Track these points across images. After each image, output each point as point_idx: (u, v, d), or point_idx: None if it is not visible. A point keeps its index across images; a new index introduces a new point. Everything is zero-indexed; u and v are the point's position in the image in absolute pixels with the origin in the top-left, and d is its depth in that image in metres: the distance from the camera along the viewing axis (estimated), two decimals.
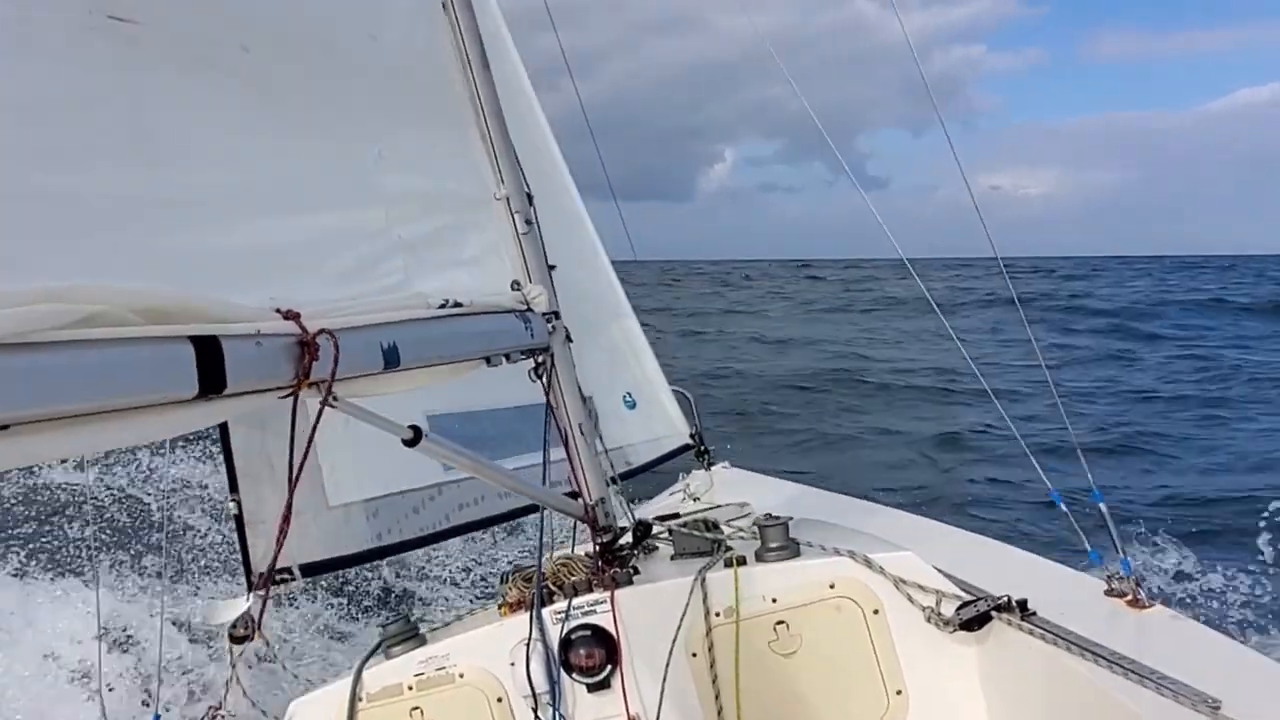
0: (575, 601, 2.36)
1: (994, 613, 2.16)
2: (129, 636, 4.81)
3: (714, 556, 2.47)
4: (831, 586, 2.31)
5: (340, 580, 5.89)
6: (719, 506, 3.40)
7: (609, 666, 2.30)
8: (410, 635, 2.52)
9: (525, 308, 2.55)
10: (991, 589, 2.26)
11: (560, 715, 2.30)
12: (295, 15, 2.17)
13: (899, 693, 2.27)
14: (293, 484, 1.60)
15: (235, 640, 2.55)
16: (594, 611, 2.34)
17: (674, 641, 2.28)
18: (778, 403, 14.47)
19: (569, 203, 4.72)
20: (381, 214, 2.30)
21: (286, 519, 1.50)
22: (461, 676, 2.38)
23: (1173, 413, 13.42)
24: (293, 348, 1.57)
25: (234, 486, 2.63)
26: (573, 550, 2.75)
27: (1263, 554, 6.58)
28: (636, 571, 2.53)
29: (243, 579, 2.67)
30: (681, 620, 2.29)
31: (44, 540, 5.96)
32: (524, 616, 2.36)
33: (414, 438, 1.99)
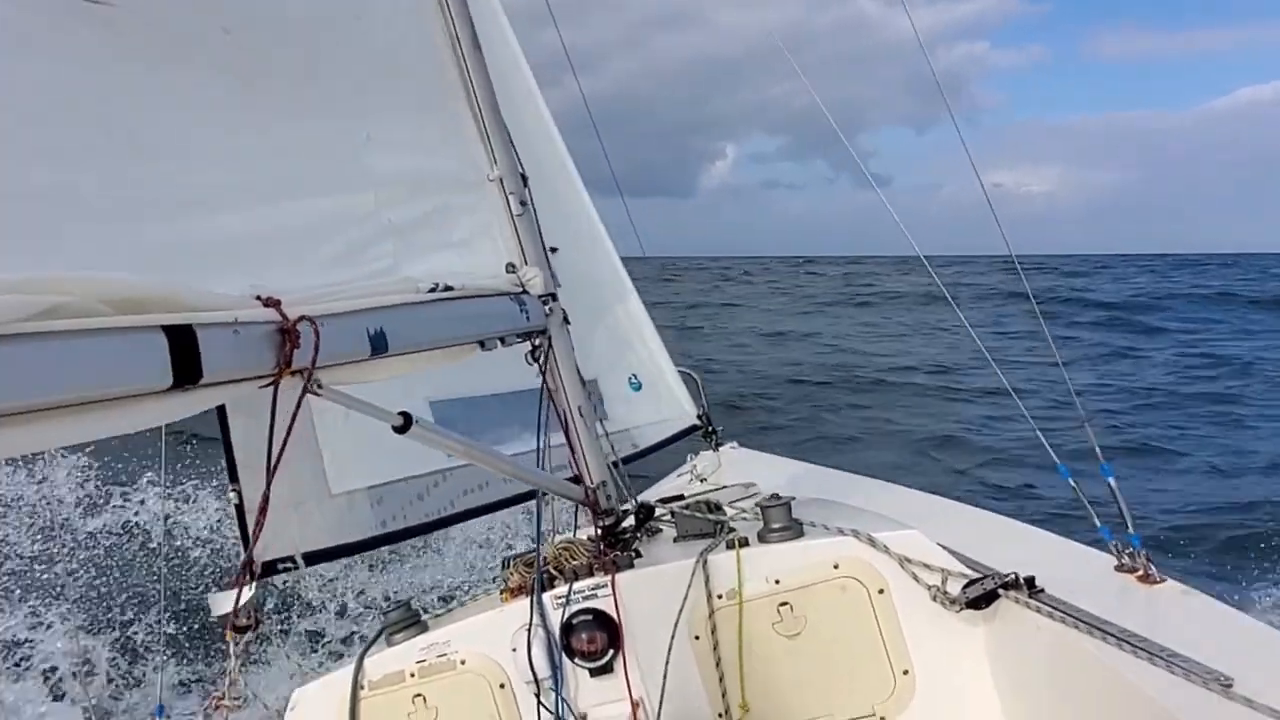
0: (576, 586, 2.34)
1: (1001, 590, 2.12)
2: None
3: (716, 538, 2.44)
4: (835, 566, 2.27)
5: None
6: (725, 487, 3.37)
7: (611, 651, 2.28)
8: (411, 622, 2.51)
9: (520, 290, 2.51)
10: (999, 566, 2.22)
11: (563, 700, 2.28)
12: None
13: (905, 673, 2.24)
14: (270, 473, 1.58)
15: (237, 630, 2.54)
16: (595, 596, 2.32)
17: (676, 624, 2.26)
18: (777, 396, 14.40)
19: (568, 185, 4.67)
20: (370, 198, 2.27)
21: (263, 510, 1.47)
22: (463, 663, 2.37)
23: (1185, 407, 13.21)
24: (273, 335, 1.54)
25: (234, 476, 2.61)
26: (574, 534, 2.73)
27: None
28: (639, 555, 2.50)
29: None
30: (683, 603, 2.27)
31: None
32: (525, 602, 2.34)
33: (404, 424, 1.96)
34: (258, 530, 1.49)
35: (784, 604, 2.27)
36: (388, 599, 5.68)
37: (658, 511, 2.77)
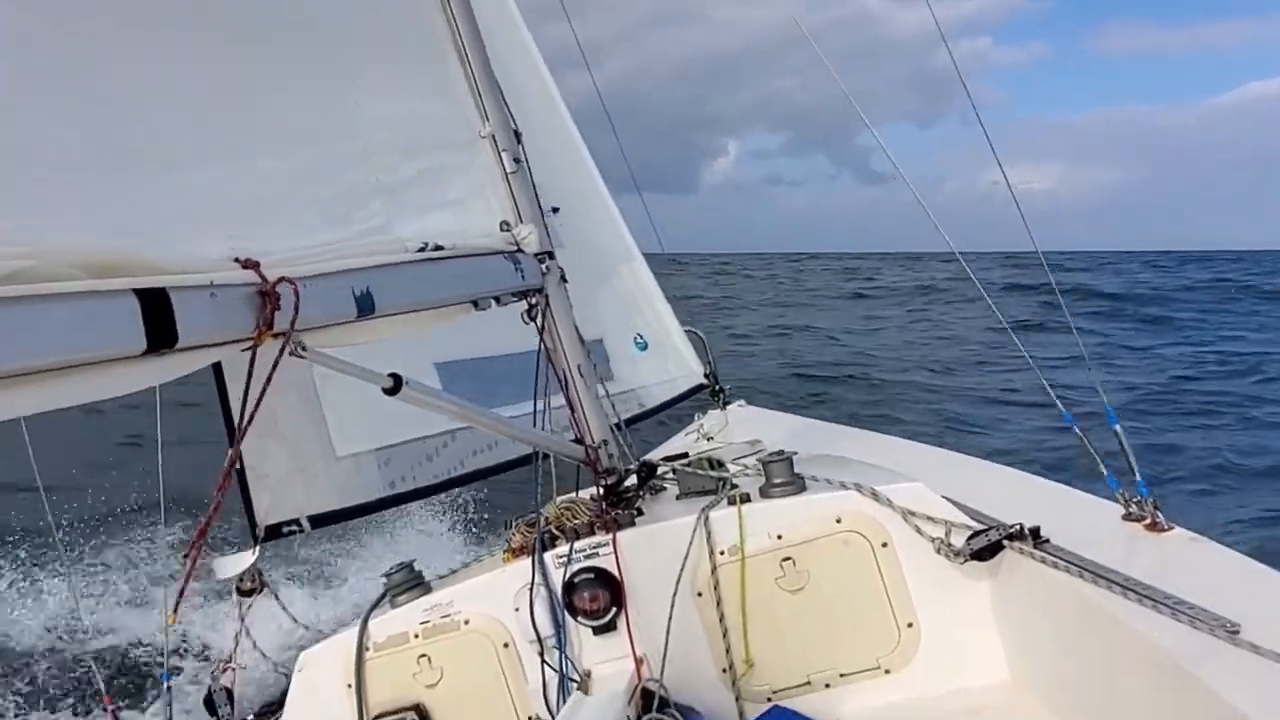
0: (577, 545, 2.33)
1: (1006, 542, 2.09)
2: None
3: (718, 495, 2.42)
4: (838, 521, 2.25)
5: None
6: (730, 445, 3.35)
7: (614, 608, 2.28)
8: (415, 584, 2.51)
9: (515, 248, 2.48)
10: (1003, 518, 2.20)
11: (566, 658, 2.29)
12: None
13: (910, 625, 2.23)
14: (240, 435, 1.56)
15: (242, 594, 2.56)
16: (596, 554, 2.31)
17: (678, 581, 2.25)
18: (778, 391, 14.30)
19: (570, 146, 4.61)
20: (358, 157, 2.23)
21: (228, 475, 1.45)
22: (467, 623, 2.37)
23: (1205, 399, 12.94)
24: (253, 298, 1.51)
25: (233, 440, 2.61)
26: (576, 494, 2.72)
27: None
28: (641, 513, 2.49)
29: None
30: (685, 560, 2.26)
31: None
32: (527, 562, 2.34)
33: (394, 386, 1.94)
34: (219, 494, 1.46)
35: (787, 559, 2.25)
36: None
37: (660, 470, 2.76)
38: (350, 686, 2.40)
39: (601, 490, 2.58)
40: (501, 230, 2.52)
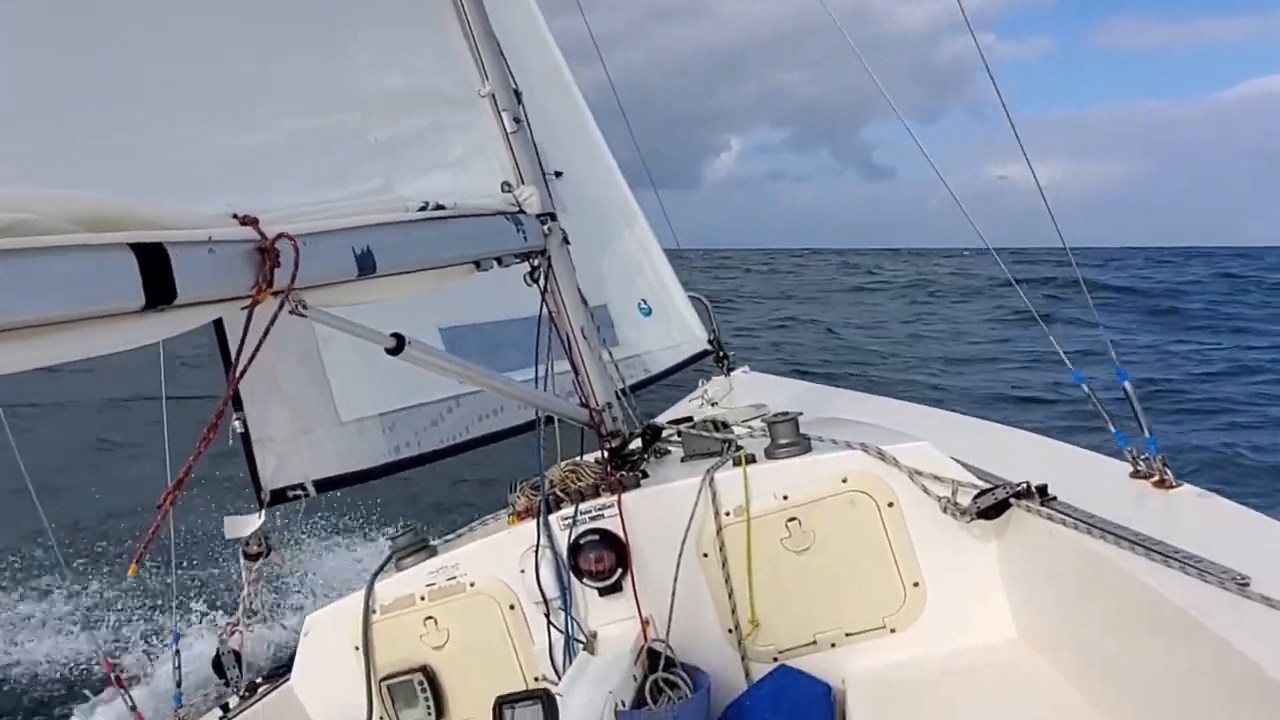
0: (582, 506, 2.32)
1: (1012, 500, 2.08)
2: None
3: (723, 456, 2.42)
4: (844, 481, 2.24)
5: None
6: (735, 409, 3.34)
7: (619, 570, 2.28)
8: (420, 547, 2.52)
9: (517, 209, 2.45)
10: (1010, 477, 2.18)
11: (572, 619, 2.29)
12: None
13: (916, 585, 2.22)
14: (230, 388, 1.54)
15: (249, 557, 2.57)
16: (601, 516, 2.31)
17: (684, 542, 2.25)
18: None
19: (572, 110, 4.56)
20: (357, 116, 2.20)
21: (214, 427, 1.42)
22: (473, 585, 2.38)
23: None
24: (252, 255, 1.49)
25: (238, 405, 2.61)
26: (581, 456, 2.71)
27: None
28: (645, 475, 2.48)
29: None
30: (690, 521, 2.25)
31: None
32: (532, 524, 2.34)
33: (397, 346, 1.93)
34: (200, 449, 1.44)
35: (792, 519, 2.25)
36: None
37: (665, 432, 2.75)
38: (357, 649, 2.41)
39: (606, 453, 2.57)
40: (503, 191, 2.49)
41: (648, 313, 4.44)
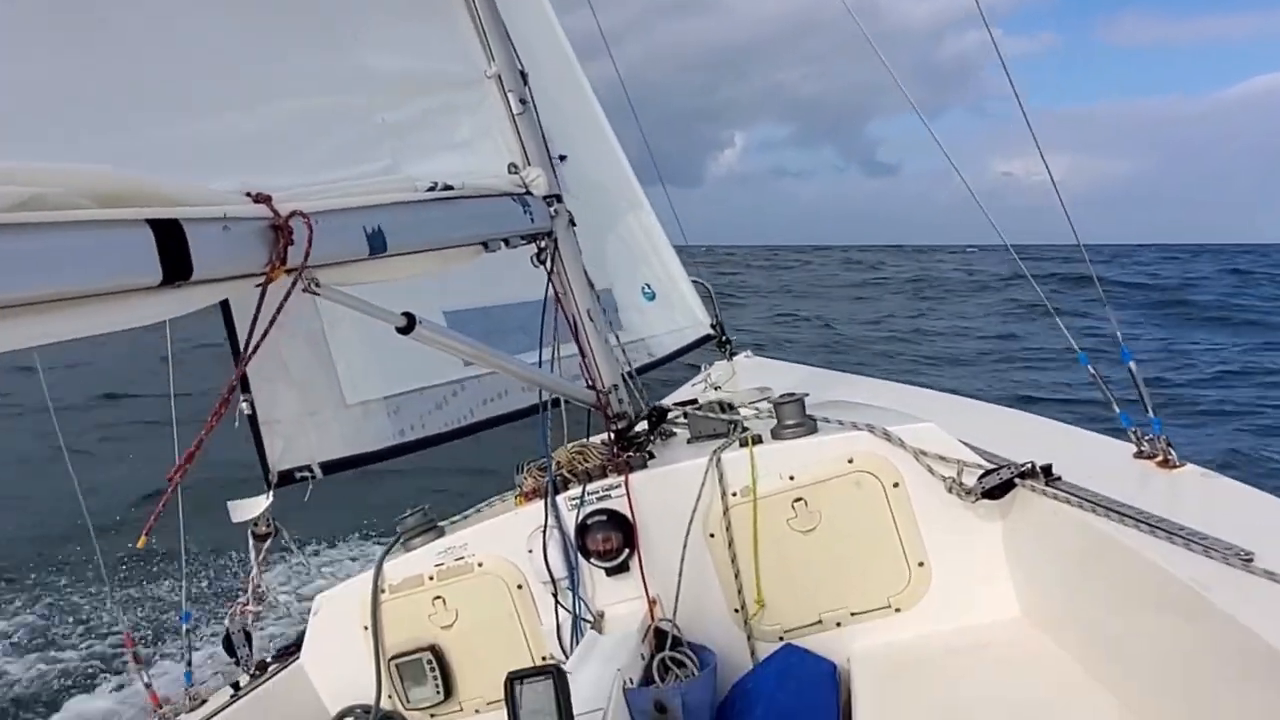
0: (590, 487, 2.34)
1: (1017, 480, 2.09)
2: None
3: (730, 437, 2.43)
4: (850, 461, 2.25)
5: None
6: (739, 392, 3.35)
7: (626, 550, 2.29)
8: (428, 527, 2.53)
9: (523, 190, 2.46)
10: (1015, 458, 2.19)
11: (580, 599, 2.31)
12: None
13: (921, 565, 2.24)
14: (242, 365, 1.55)
15: (258, 538, 2.58)
16: (609, 496, 2.32)
17: (690, 523, 2.26)
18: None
19: (577, 92, 4.54)
20: (364, 97, 2.20)
21: (224, 403, 1.43)
22: (481, 565, 2.39)
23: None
24: (265, 232, 1.50)
25: (245, 386, 2.62)
26: (588, 438, 2.72)
27: None
28: (652, 456, 2.49)
29: None
30: (697, 501, 2.26)
31: None
32: (540, 505, 2.35)
33: (408, 325, 1.94)
34: (209, 427, 1.45)
35: (798, 500, 2.26)
36: None
37: (671, 414, 2.76)
38: (366, 628, 2.43)
39: (613, 434, 2.59)
40: (510, 172, 2.49)
41: (651, 297, 4.44)
